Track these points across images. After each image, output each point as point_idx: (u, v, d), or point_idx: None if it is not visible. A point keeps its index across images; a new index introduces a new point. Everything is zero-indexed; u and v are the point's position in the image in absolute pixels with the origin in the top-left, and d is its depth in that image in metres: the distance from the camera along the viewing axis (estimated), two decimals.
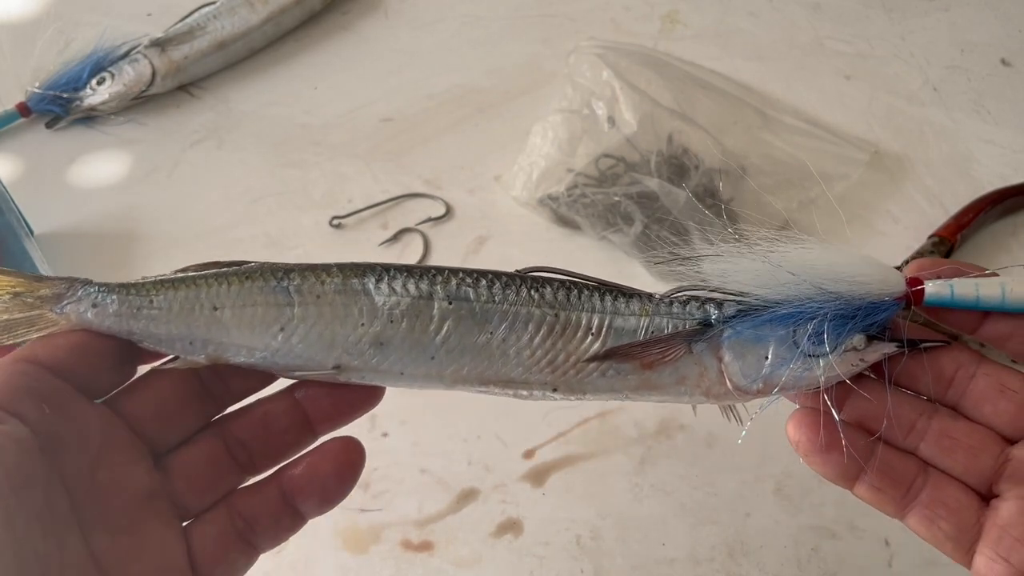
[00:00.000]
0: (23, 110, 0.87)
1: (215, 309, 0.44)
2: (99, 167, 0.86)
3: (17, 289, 0.43)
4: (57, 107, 0.87)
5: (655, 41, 0.95)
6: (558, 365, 0.43)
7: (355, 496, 0.64)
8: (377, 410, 0.46)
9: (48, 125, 0.88)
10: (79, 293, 0.43)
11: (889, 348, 0.41)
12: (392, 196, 0.82)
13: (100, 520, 0.40)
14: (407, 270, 0.44)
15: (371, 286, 0.43)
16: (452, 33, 0.97)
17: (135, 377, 0.45)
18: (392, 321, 0.43)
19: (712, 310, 0.43)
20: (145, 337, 0.44)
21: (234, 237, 0.80)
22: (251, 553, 0.45)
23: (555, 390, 0.44)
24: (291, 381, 0.46)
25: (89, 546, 0.39)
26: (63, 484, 0.39)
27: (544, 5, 0.99)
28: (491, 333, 0.43)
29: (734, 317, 0.42)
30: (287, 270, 0.44)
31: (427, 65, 0.93)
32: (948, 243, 0.75)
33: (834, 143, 0.84)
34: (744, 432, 0.44)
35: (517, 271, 0.46)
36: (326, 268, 0.44)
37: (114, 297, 0.43)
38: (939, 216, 0.79)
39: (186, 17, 0.92)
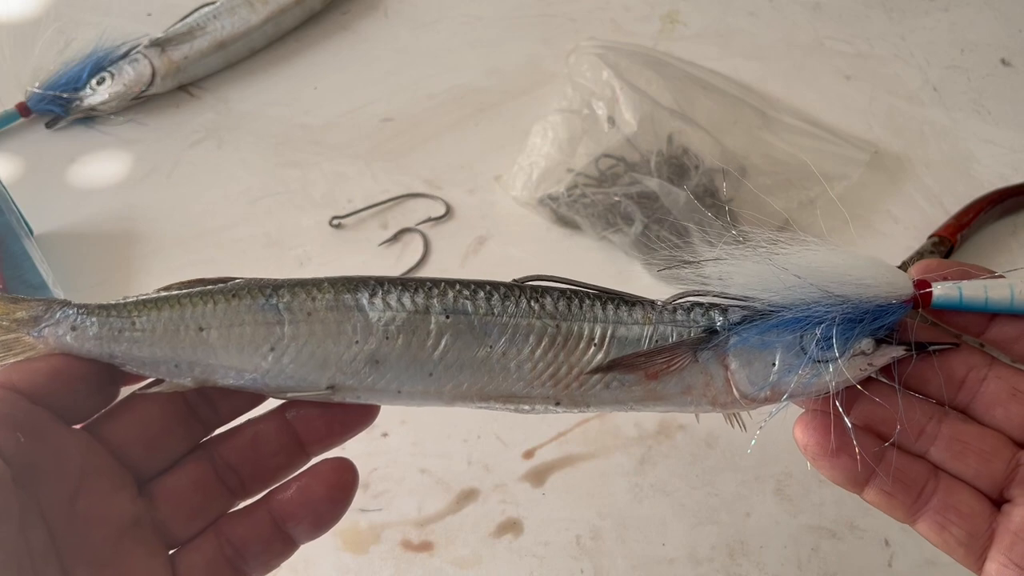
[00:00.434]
0: (23, 110, 0.87)
1: (201, 329, 0.42)
2: (99, 167, 0.86)
3: None
4: (57, 107, 0.87)
5: (655, 41, 0.95)
6: (560, 378, 0.42)
7: (355, 496, 0.64)
8: None
9: (48, 125, 0.88)
10: (57, 316, 0.41)
11: (898, 352, 0.40)
12: (392, 196, 0.82)
13: (81, 552, 0.39)
14: (402, 283, 0.43)
15: (364, 301, 0.42)
16: (452, 33, 0.97)
17: (118, 400, 0.43)
18: (388, 337, 0.42)
19: (717, 316, 0.42)
20: (128, 360, 0.42)
21: (234, 237, 0.80)
22: None
23: (558, 404, 0.43)
24: (282, 400, 0.44)
25: None
26: (41, 516, 0.38)
27: (544, 5, 0.99)
28: (491, 347, 0.42)
29: (740, 323, 0.41)
30: (276, 286, 0.42)
31: (427, 65, 0.93)
32: (948, 243, 0.75)
33: (834, 143, 0.84)
34: (753, 442, 0.44)
35: (515, 280, 0.44)
36: (317, 283, 0.43)
37: (94, 319, 0.42)
38: (939, 216, 0.79)
39: (186, 17, 0.92)
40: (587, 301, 0.43)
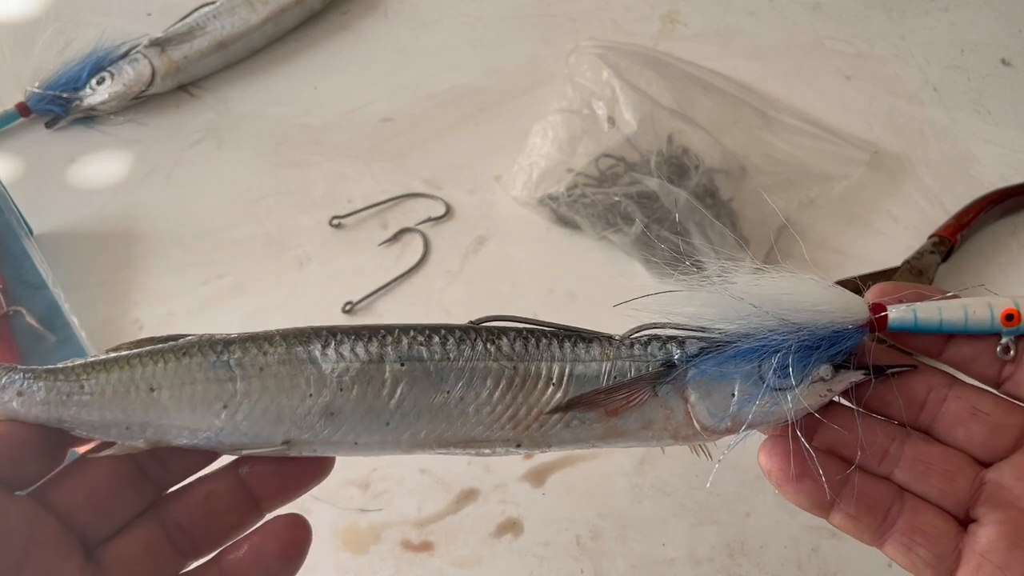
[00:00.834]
0: (23, 110, 0.87)
1: (152, 390, 0.41)
2: (99, 167, 0.86)
3: None
4: (57, 107, 0.87)
5: (655, 41, 0.95)
6: (520, 420, 0.42)
7: (355, 496, 0.64)
8: None
9: (48, 125, 0.88)
10: (3, 381, 0.40)
11: (856, 376, 0.41)
12: (392, 196, 0.82)
13: None
14: (355, 333, 0.42)
15: (317, 353, 0.41)
16: (452, 33, 0.97)
17: (65, 464, 0.42)
18: (342, 389, 0.41)
19: (674, 349, 0.42)
20: (77, 425, 0.41)
21: (234, 237, 0.80)
22: None
23: (519, 445, 0.42)
24: (232, 458, 0.43)
25: None
26: None
27: (544, 5, 0.99)
28: (448, 392, 0.41)
29: (697, 355, 0.41)
30: (227, 342, 0.42)
31: (427, 65, 0.93)
32: (948, 243, 0.75)
33: (834, 143, 0.84)
34: (715, 469, 0.44)
35: (471, 322, 0.44)
36: (268, 338, 0.42)
37: (41, 384, 0.40)
38: (939, 216, 0.79)
39: (186, 17, 0.92)
40: (544, 340, 0.42)
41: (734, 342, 0.40)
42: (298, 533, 0.43)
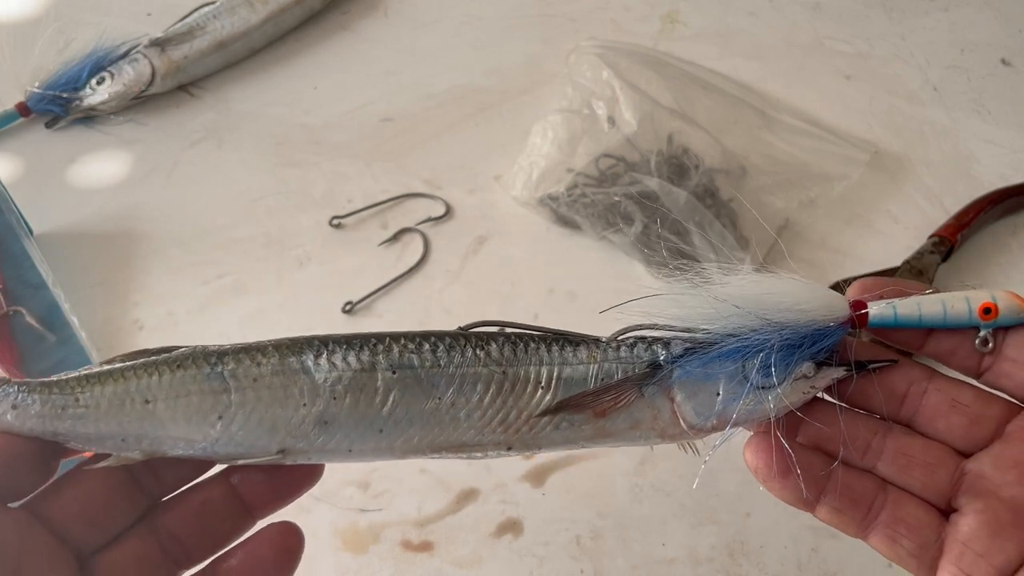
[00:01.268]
0: (23, 110, 0.87)
1: (147, 402, 0.41)
2: (99, 167, 0.86)
3: None
4: (57, 107, 0.87)
5: (655, 41, 0.95)
6: (510, 423, 0.42)
7: (355, 496, 0.64)
8: None
9: (48, 125, 0.88)
10: None
11: (838, 373, 0.41)
12: (392, 196, 0.82)
13: None
14: (346, 342, 0.42)
15: (310, 363, 0.42)
16: (452, 33, 0.97)
17: (58, 476, 0.42)
18: (335, 398, 0.41)
19: (660, 350, 0.43)
20: (72, 437, 0.41)
21: (234, 237, 0.80)
22: None
23: (510, 448, 0.43)
24: (224, 466, 0.44)
25: None
26: None
27: (544, 5, 0.99)
28: (439, 398, 0.42)
29: (682, 356, 0.42)
30: (220, 354, 0.42)
31: (427, 65, 0.93)
32: (948, 243, 0.75)
33: (834, 143, 0.84)
34: (701, 469, 0.44)
35: (460, 328, 0.44)
36: (261, 348, 0.42)
37: (36, 397, 0.41)
38: (939, 216, 0.79)
39: (186, 17, 0.92)
40: (532, 344, 0.43)
41: (718, 342, 0.41)
42: (291, 540, 0.44)
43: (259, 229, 0.80)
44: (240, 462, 0.42)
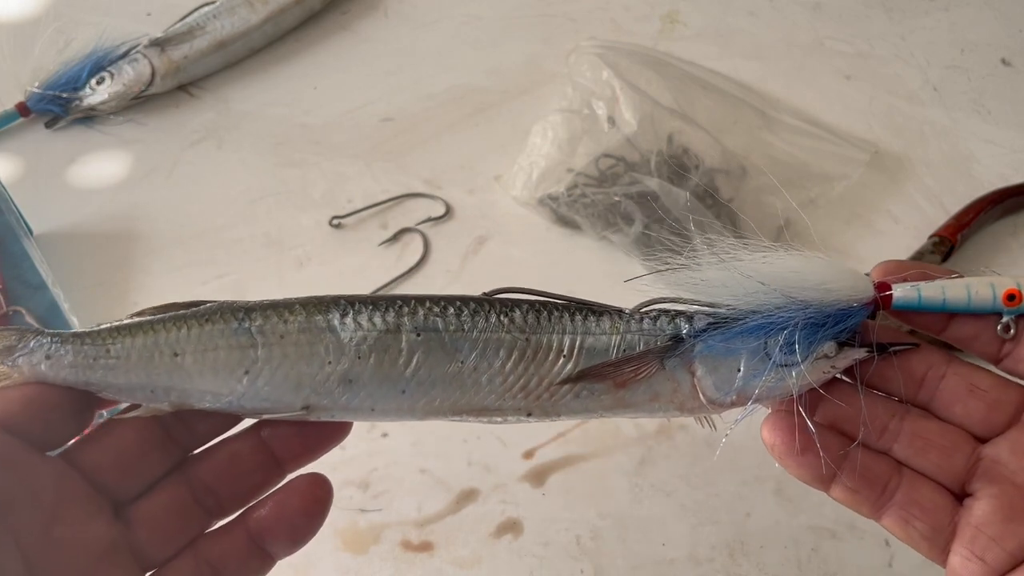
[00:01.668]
0: (23, 110, 0.87)
1: (175, 355, 0.42)
2: (99, 167, 0.86)
3: None
4: (57, 107, 0.87)
5: (655, 41, 0.95)
6: (531, 390, 0.43)
7: (355, 496, 0.64)
8: None
9: (48, 125, 0.88)
10: (31, 344, 0.42)
11: (859, 354, 0.41)
12: (392, 196, 0.82)
13: None
14: (372, 302, 0.43)
15: (336, 322, 0.42)
16: (452, 33, 0.97)
17: (93, 426, 0.43)
18: (360, 357, 0.42)
19: (683, 324, 0.43)
20: (104, 387, 0.42)
21: (234, 237, 0.80)
22: None
23: (529, 415, 0.43)
24: (254, 420, 0.45)
25: None
26: (16, 545, 0.38)
27: (544, 5, 0.99)
28: (462, 362, 0.42)
29: (705, 330, 0.42)
30: (248, 309, 0.43)
31: (427, 65, 0.93)
32: (948, 243, 0.75)
33: (834, 143, 0.84)
34: (723, 441, 0.44)
35: (484, 294, 0.45)
36: (288, 306, 0.43)
37: (69, 347, 0.42)
38: (939, 216, 0.79)
39: (186, 17, 0.92)
40: (555, 313, 0.43)
41: (741, 318, 0.41)
42: (320, 491, 0.44)
43: (259, 229, 0.80)
44: (265, 416, 0.43)
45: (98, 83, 0.87)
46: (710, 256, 0.41)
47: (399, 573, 0.62)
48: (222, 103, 0.90)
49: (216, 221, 0.81)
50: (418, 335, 0.42)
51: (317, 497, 0.44)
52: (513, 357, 0.42)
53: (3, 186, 0.74)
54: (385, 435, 0.67)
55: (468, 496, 0.65)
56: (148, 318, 0.43)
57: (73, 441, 0.42)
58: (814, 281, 0.40)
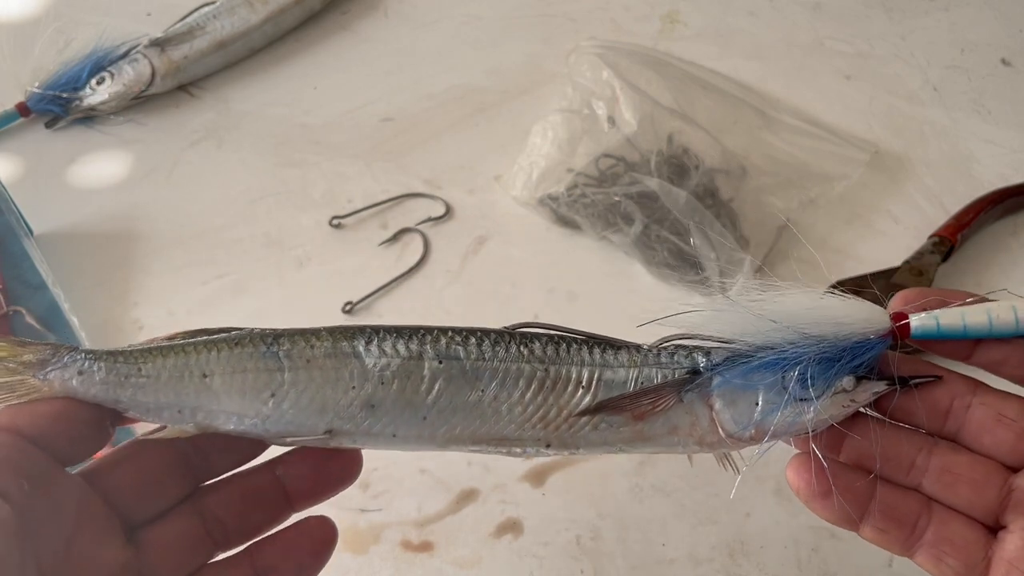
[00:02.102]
0: (23, 110, 0.87)
1: (205, 376, 0.43)
2: (99, 167, 0.86)
3: (0, 354, 0.42)
4: (57, 107, 0.87)
5: (655, 41, 0.95)
6: (550, 420, 0.43)
7: (355, 496, 0.64)
8: None
9: (48, 125, 0.88)
10: (64, 360, 0.42)
11: (878, 387, 0.41)
12: (392, 196, 0.82)
13: None
14: (396, 331, 0.44)
15: (361, 348, 0.43)
16: (452, 33, 0.97)
17: (116, 447, 0.44)
18: (383, 383, 0.43)
19: (700, 358, 0.43)
20: (132, 406, 0.43)
21: (234, 237, 0.80)
22: None
23: (548, 446, 0.44)
24: (270, 456, 0.45)
25: None
26: (36, 562, 0.37)
27: (544, 5, 0.99)
28: (482, 391, 0.43)
29: (722, 364, 0.42)
30: (276, 335, 0.44)
31: (427, 65, 0.93)
32: (948, 243, 0.75)
33: (834, 143, 0.84)
34: (738, 480, 0.44)
35: (505, 328, 0.46)
36: (315, 332, 0.44)
37: (101, 364, 0.42)
38: (939, 216, 0.79)
39: (186, 17, 0.92)
40: (574, 345, 0.44)
41: (758, 353, 0.41)
42: (327, 534, 0.46)
43: (259, 229, 0.80)
44: (288, 440, 0.44)
45: (98, 83, 0.87)
46: (721, 298, 0.42)
47: (399, 573, 0.62)
48: (222, 103, 0.90)
49: (216, 221, 0.81)
50: (440, 362, 0.43)
51: (324, 539, 0.45)
52: (532, 387, 0.43)
53: (3, 186, 0.74)
54: None
55: (468, 496, 0.65)
56: (180, 341, 0.44)
57: (93, 460, 0.43)
58: (829, 316, 0.40)
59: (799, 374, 0.40)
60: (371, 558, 0.62)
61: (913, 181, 0.83)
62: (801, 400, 0.40)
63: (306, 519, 0.46)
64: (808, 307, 0.40)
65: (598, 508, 0.64)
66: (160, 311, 0.75)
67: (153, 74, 0.88)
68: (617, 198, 0.77)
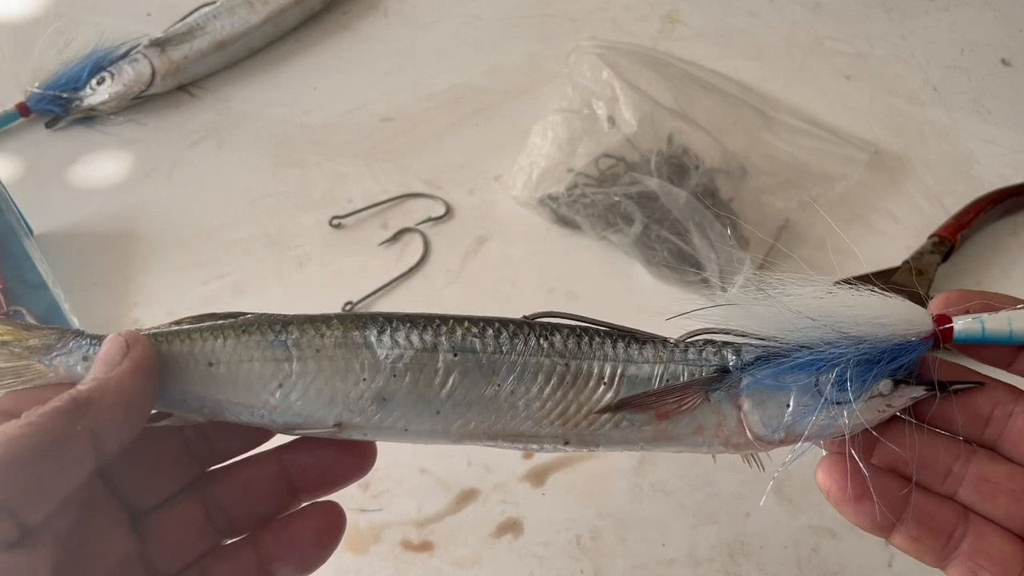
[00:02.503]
0: (23, 110, 0.87)
1: (210, 364, 0.41)
2: (99, 167, 0.86)
3: (5, 338, 0.41)
4: (57, 107, 0.87)
5: (655, 41, 0.95)
6: (569, 417, 0.41)
7: (355, 496, 0.64)
8: None
9: (48, 125, 0.88)
10: (70, 345, 0.41)
11: (917, 392, 0.39)
12: (392, 196, 0.82)
13: None
14: (410, 321, 0.42)
15: (373, 339, 0.41)
16: (452, 33, 0.97)
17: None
18: (395, 375, 0.41)
19: (730, 356, 0.41)
20: None
21: (234, 237, 0.80)
22: None
23: (567, 443, 0.42)
24: (276, 444, 0.44)
25: None
26: (45, 552, 0.37)
27: (544, 5, 0.99)
28: (499, 385, 0.41)
29: (753, 364, 0.40)
30: (285, 323, 0.42)
31: (427, 65, 0.93)
32: (948, 243, 0.75)
33: (834, 143, 0.84)
34: (769, 486, 0.42)
35: (525, 317, 0.44)
36: (326, 320, 0.43)
37: None
38: (939, 216, 0.79)
39: (186, 17, 0.92)
40: (597, 339, 0.42)
41: (791, 353, 0.39)
42: (333, 521, 0.44)
43: (259, 229, 0.80)
44: (296, 432, 0.42)
45: (98, 83, 0.87)
46: (756, 292, 0.40)
47: (399, 573, 0.62)
48: (222, 103, 0.90)
49: (216, 221, 0.81)
50: (455, 355, 0.41)
51: (329, 526, 0.44)
52: (552, 382, 0.41)
53: (3, 186, 0.74)
54: None
55: (468, 496, 0.65)
56: (186, 327, 0.43)
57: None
58: (869, 315, 0.38)
59: (835, 376, 0.38)
60: (371, 558, 0.62)
61: (913, 181, 0.83)
62: (835, 404, 0.39)
63: (312, 505, 0.44)
64: (846, 305, 0.38)
65: (598, 508, 0.64)
66: (160, 311, 0.75)
67: (153, 74, 0.88)
68: (617, 198, 0.76)
